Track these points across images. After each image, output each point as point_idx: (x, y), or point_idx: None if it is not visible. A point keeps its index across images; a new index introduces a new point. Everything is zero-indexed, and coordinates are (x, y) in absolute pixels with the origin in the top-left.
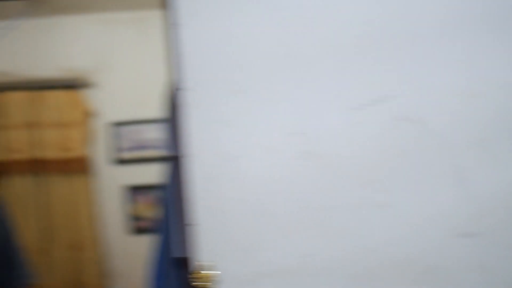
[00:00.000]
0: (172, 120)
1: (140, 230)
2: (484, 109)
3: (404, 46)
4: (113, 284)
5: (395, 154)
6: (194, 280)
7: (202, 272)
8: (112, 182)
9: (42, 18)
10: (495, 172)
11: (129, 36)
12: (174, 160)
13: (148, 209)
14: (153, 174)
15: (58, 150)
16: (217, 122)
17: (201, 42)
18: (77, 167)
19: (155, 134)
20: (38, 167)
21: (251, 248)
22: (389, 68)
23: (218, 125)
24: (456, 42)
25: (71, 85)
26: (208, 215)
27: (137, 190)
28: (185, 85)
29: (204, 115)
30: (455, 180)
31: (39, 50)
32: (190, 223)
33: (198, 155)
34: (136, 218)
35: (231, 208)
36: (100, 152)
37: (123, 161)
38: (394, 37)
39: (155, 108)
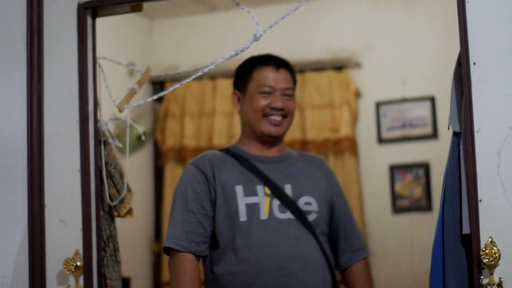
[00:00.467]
0: (456, 95)
1: (402, 209)
2: None
3: None
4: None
5: None
6: (484, 256)
7: (491, 248)
8: (376, 161)
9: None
10: None
11: (395, 15)
12: (457, 136)
13: (410, 188)
14: (416, 152)
15: (327, 131)
16: (504, 96)
17: (488, 16)
18: (345, 147)
19: (419, 112)
20: (305, 148)
21: None
22: None
23: (505, 99)
24: None
25: (337, 66)
26: (493, 190)
27: (399, 169)
28: (472, 60)
29: (490, 89)
30: None
31: (305, 32)
32: (477, 199)
33: (484, 130)
34: (399, 197)
35: None
36: (364, 132)
37: (386, 141)
38: None
39: (418, 86)
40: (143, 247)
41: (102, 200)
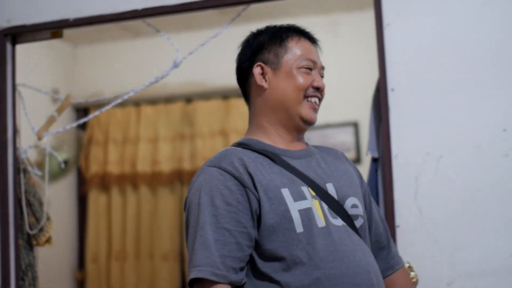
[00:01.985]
0: (375, 121)
1: None
2: None
3: None
4: None
5: None
6: None
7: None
8: None
9: (237, 26)
10: None
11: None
12: (376, 161)
13: None
14: None
15: None
16: (421, 122)
17: (407, 42)
18: None
19: (342, 137)
20: None
21: (454, 249)
22: None
23: (422, 125)
24: None
25: None
26: (411, 215)
27: None
28: (390, 86)
29: (408, 115)
30: None
31: (230, 58)
32: (394, 224)
33: (402, 156)
34: None
35: (433, 207)
36: None
37: None
38: None
39: (342, 112)
40: (66, 276)
41: (21, 229)
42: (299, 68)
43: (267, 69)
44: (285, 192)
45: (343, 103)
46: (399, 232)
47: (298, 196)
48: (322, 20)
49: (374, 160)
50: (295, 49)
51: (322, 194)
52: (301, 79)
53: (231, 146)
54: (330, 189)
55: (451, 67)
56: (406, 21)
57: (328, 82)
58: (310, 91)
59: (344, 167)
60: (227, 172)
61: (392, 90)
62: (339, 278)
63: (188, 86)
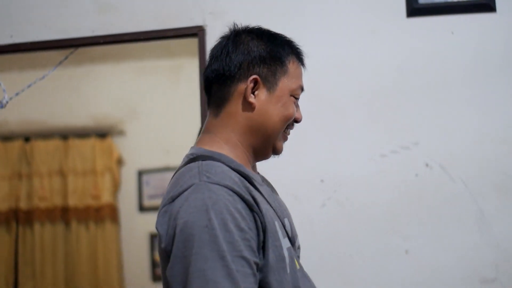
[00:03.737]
0: None
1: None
2: (507, 155)
3: (428, 93)
4: None
5: (417, 201)
6: None
7: None
8: (137, 229)
9: (78, 67)
10: None
11: (160, 83)
12: None
13: None
14: None
15: (87, 198)
16: None
17: None
18: (106, 214)
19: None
20: (66, 214)
21: None
22: (413, 116)
23: None
24: (482, 88)
25: (101, 133)
26: None
27: None
28: None
29: None
30: (476, 226)
31: (68, 99)
32: None
33: None
34: (159, 265)
35: None
36: (126, 199)
37: (147, 209)
38: (420, 86)
39: (182, 155)
40: None
41: None
42: (291, 96)
43: (262, 87)
44: (276, 226)
45: (183, 147)
46: None
47: (283, 232)
48: (166, 63)
49: None
50: (293, 74)
51: (286, 231)
52: (291, 110)
53: (195, 156)
54: (287, 225)
55: None
56: None
57: (168, 126)
58: (291, 122)
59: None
60: (235, 193)
61: None
62: None
63: (27, 124)
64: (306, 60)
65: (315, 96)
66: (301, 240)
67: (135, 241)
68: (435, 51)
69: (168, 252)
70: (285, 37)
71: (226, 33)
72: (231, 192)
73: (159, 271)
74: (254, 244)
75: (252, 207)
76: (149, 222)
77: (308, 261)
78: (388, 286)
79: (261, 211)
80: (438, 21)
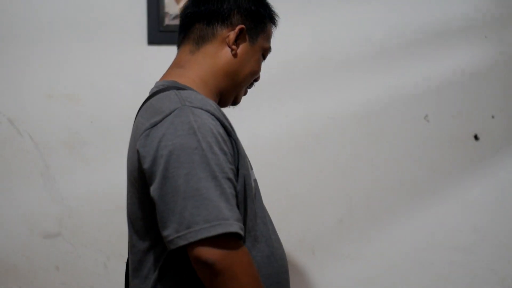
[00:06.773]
0: None
1: None
2: (73, 112)
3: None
4: None
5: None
6: None
7: None
8: None
9: None
10: (84, 174)
11: None
12: None
13: None
14: None
15: None
16: None
17: None
18: None
19: None
20: None
21: None
22: None
23: None
24: (59, 46)
25: None
26: None
27: None
28: None
29: None
30: (42, 181)
31: None
32: None
33: None
34: None
35: None
36: None
37: None
38: None
39: None
40: None
41: None
42: (262, 54)
43: (244, 38)
44: (247, 156)
45: None
46: None
47: (250, 165)
48: None
49: None
50: (268, 35)
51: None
52: (259, 67)
53: (166, 86)
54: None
55: None
56: None
57: None
58: (253, 80)
59: None
60: (216, 118)
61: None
62: (284, 261)
63: None
64: None
65: None
66: None
67: None
68: None
69: (152, 173)
70: (269, 4)
71: None
72: (213, 117)
73: None
74: (234, 169)
75: (230, 134)
76: None
77: None
78: None
79: (237, 139)
80: None
